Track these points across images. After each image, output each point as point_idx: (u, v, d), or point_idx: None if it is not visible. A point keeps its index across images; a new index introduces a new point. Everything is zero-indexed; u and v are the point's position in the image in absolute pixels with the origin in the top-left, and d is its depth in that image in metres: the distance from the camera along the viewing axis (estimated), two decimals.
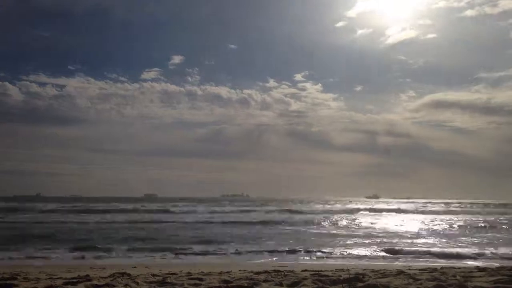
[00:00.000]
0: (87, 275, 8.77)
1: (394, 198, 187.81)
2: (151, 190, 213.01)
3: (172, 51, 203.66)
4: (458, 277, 8.13)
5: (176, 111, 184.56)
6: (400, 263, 13.65)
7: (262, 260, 14.52)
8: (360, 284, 7.26)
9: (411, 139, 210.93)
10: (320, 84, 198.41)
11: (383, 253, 16.38)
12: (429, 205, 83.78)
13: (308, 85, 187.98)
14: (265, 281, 7.80)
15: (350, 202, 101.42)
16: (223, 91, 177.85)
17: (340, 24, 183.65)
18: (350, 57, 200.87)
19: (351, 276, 8.15)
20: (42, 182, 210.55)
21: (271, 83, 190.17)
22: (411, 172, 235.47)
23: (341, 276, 8.22)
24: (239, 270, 9.96)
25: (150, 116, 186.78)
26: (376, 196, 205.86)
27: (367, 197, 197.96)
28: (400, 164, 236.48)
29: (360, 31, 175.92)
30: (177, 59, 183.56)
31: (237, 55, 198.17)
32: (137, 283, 7.66)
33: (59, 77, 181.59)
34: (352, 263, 13.87)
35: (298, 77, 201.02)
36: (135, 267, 11.76)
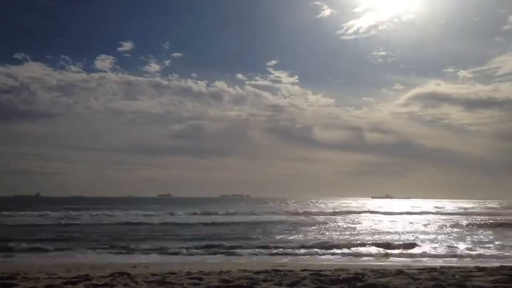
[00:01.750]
0: (87, 275, 8.77)
1: (408, 198, 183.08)
2: (164, 190, 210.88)
3: (121, 36, 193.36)
4: (457, 277, 8.13)
5: (144, 104, 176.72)
6: (399, 263, 13.65)
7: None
8: (360, 284, 7.26)
9: (401, 136, 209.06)
10: (296, 76, 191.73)
11: None
12: (448, 205, 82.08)
13: (283, 76, 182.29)
14: (265, 280, 7.81)
15: (365, 203, 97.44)
16: (191, 83, 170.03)
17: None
18: (324, 46, 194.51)
19: (350, 275, 8.15)
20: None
21: (242, 75, 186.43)
22: (407, 171, 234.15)
23: (340, 275, 8.22)
24: (239, 270, 9.95)
25: (118, 110, 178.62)
26: (388, 196, 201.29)
27: (377, 197, 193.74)
28: (394, 163, 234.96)
29: (329, 11, 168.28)
30: (127, 45, 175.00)
31: (199, 42, 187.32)
32: (137, 283, 7.67)
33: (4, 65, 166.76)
34: (352, 262, 13.86)
35: (270, 68, 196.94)
36: (134, 266, 11.75)
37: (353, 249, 17.22)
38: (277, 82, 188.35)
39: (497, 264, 11.30)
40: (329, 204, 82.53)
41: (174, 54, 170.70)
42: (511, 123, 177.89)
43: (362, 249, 17.29)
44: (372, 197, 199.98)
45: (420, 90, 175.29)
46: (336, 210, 55.15)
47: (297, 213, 48.53)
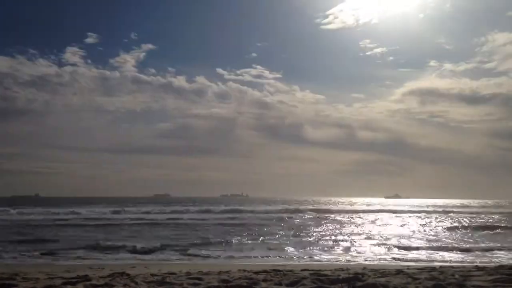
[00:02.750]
0: (86, 275, 8.77)
1: (418, 197, 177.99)
2: (161, 190, 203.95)
3: (86, 27, 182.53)
4: (457, 276, 8.14)
5: (124, 100, 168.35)
6: (399, 262, 13.67)
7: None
8: (359, 284, 7.27)
9: (395, 134, 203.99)
10: (281, 71, 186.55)
11: None
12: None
13: (266, 72, 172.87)
14: (264, 280, 7.81)
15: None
16: (171, 78, 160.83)
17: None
18: (306, 38, 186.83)
19: (350, 275, 8.16)
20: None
21: (221, 69, 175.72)
22: (401, 169, 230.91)
23: (340, 275, 8.22)
24: (238, 270, 9.95)
25: (99, 107, 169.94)
26: (397, 196, 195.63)
27: (387, 197, 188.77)
28: (387, 161, 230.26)
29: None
30: (93, 37, 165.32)
31: (171, 33, 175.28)
32: (136, 283, 7.67)
33: None
34: (352, 262, 13.87)
35: (251, 62, 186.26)
36: (134, 266, 11.75)
37: None
38: (260, 77, 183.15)
39: (497, 264, 11.33)
40: (361, 206, 74.19)
41: (145, 46, 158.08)
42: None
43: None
44: (386, 197, 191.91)
45: (412, 86, 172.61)
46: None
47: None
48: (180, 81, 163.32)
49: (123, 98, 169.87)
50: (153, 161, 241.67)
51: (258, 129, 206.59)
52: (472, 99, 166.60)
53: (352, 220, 36.98)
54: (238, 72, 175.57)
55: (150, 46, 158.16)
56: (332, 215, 44.28)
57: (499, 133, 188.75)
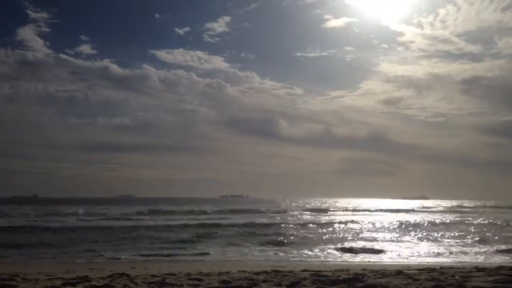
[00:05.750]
0: (86, 276, 8.76)
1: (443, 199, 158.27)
2: (126, 191, 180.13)
3: None
4: (457, 277, 8.14)
5: (66, 89, 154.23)
6: (399, 263, 13.66)
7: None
8: (360, 284, 7.27)
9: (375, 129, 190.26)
10: (227, 51, 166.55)
11: None
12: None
13: (215, 57, 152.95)
14: (264, 281, 7.80)
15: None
16: (108, 63, 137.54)
17: None
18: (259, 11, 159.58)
19: (350, 276, 8.16)
20: None
21: (155, 50, 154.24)
22: (395, 168, 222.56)
23: (340, 276, 8.22)
24: (238, 271, 9.95)
25: (37, 96, 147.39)
26: (424, 197, 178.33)
27: (411, 198, 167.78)
28: (377, 160, 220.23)
29: None
30: None
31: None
32: (136, 284, 7.66)
33: None
34: (352, 263, 13.86)
35: (198, 45, 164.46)
36: (134, 267, 11.73)
37: None
38: (208, 62, 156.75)
39: (497, 265, 11.33)
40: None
41: (51, 21, 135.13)
42: None
43: None
44: (404, 198, 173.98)
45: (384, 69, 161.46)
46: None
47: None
48: (114, 68, 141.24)
49: (62, 87, 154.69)
50: (109, 159, 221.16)
51: (222, 124, 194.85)
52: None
53: None
54: (180, 57, 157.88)
55: (55, 21, 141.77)
56: None
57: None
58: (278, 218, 40.47)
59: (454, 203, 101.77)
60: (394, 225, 32.49)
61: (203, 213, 47.08)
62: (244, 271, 9.78)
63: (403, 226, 31.16)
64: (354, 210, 61.27)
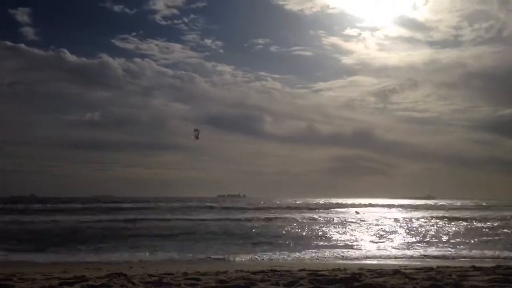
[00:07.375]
0: (83, 276, 8.74)
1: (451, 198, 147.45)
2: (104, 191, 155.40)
3: None
4: (454, 277, 8.17)
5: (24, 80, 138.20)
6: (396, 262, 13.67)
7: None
8: (357, 284, 7.29)
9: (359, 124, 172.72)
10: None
11: None
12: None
13: (176, 45, 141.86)
14: (262, 281, 7.81)
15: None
16: (63, 54, 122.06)
17: None
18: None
19: (347, 275, 8.17)
20: None
21: (116, 40, 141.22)
22: (387, 167, 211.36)
23: (337, 275, 8.23)
24: (236, 270, 9.94)
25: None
26: (431, 197, 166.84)
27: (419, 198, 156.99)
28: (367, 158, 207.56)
29: None
30: None
31: None
32: (134, 284, 7.66)
33: None
34: (349, 262, 13.88)
35: (154, 30, 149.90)
36: (131, 267, 11.71)
37: None
38: (169, 51, 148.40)
39: (494, 264, 11.36)
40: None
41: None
42: None
43: None
44: (411, 197, 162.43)
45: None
46: None
47: None
48: (70, 58, 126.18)
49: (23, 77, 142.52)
50: (83, 157, 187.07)
51: (199, 121, 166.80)
52: None
53: None
54: (141, 45, 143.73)
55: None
56: None
57: None
58: (277, 216, 40.36)
59: (469, 203, 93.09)
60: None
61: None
62: (242, 271, 9.77)
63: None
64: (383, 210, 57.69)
